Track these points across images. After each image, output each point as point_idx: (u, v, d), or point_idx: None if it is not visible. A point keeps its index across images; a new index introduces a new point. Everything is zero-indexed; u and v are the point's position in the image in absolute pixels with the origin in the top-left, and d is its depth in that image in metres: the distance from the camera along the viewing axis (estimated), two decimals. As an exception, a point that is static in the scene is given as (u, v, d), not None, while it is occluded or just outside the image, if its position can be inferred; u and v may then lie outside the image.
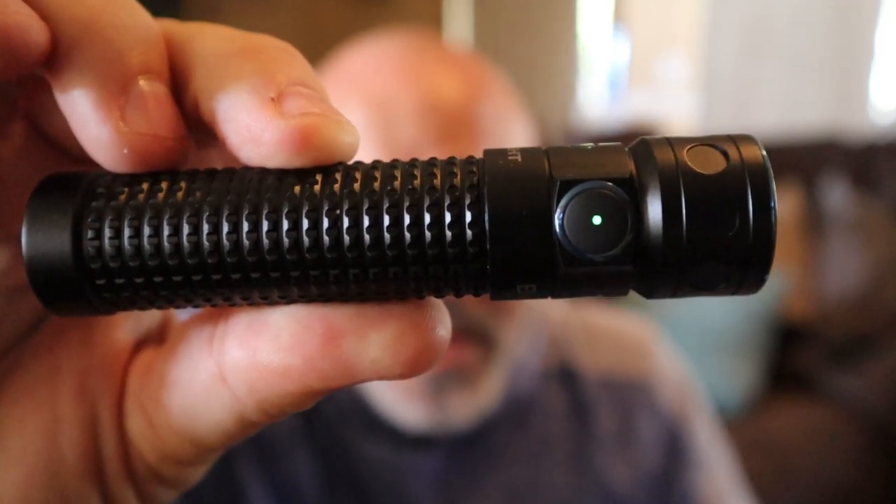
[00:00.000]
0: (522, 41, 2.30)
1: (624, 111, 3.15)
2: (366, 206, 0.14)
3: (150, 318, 0.19)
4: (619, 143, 0.15)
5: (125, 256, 0.14)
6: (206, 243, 0.14)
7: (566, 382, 0.54)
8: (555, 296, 0.15)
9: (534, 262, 0.14)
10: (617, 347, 0.57)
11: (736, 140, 0.14)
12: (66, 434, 0.17)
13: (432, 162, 0.15)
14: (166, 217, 0.14)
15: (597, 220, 0.14)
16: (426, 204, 0.14)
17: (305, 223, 0.14)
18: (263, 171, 0.15)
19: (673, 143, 0.14)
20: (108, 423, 0.17)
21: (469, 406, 0.46)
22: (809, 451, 1.26)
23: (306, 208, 0.14)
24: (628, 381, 0.55)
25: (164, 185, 0.14)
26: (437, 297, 0.15)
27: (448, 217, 0.14)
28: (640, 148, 0.14)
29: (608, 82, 3.16)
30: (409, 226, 0.14)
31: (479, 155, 0.15)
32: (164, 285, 0.14)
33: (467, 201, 0.14)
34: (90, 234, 0.14)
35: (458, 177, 0.14)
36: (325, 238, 0.14)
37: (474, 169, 0.14)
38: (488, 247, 0.14)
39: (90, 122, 0.14)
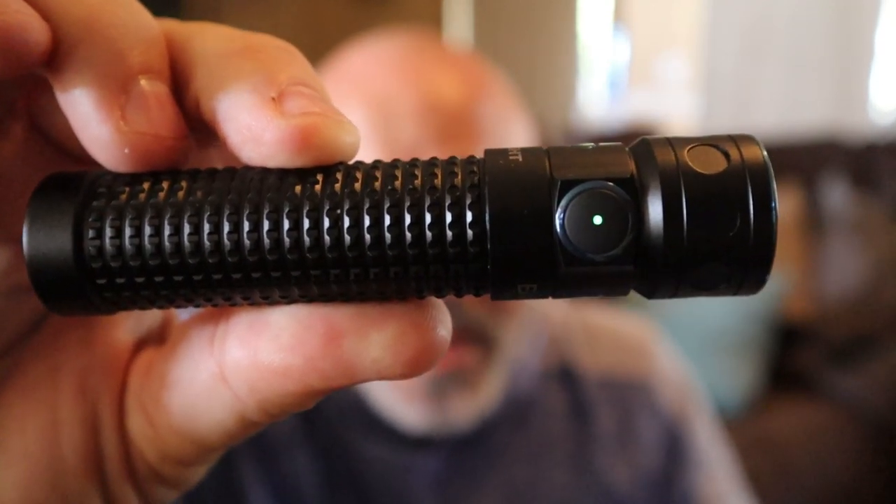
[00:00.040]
0: (522, 41, 2.30)
1: (624, 111, 3.15)
2: (367, 206, 0.14)
3: (150, 317, 0.19)
4: (619, 143, 0.15)
5: (126, 256, 0.14)
6: (207, 243, 0.14)
7: (566, 382, 0.54)
8: (555, 296, 0.15)
9: (534, 261, 0.14)
10: (617, 347, 0.57)
11: (737, 140, 0.14)
12: (67, 434, 0.17)
13: (433, 162, 0.15)
14: (167, 216, 0.14)
15: (597, 219, 0.14)
16: (427, 204, 0.14)
17: (306, 223, 0.14)
18: (264, 171, 0.15)
19: (674, 143, 0.14)
20: (109, 423, 0.17)
21: (469, 407, 0.46)
22: (809, 451, 1.26)
23: (307, 208, 0.14)
24: (628, 381, 0.55)
25: (165, 184, 0.14)
26: (437, 296, 0.15)
27: (449, 217, 0.14)
28: (641, 148, 0.14)
29: (608, 82, 3.16)
30: (409, 225, 0.14)
31: (479, 155, 0.15)
32: (164, 285, 0.14)
33: (468, 201, 0.14)
34: (91, 233, 0.14)
35: (459, 176, 0.14)
36: (326, 238, 0.14)
37: (475, 169, 0.14)
38: (489, 246, 0.14)
39: (91, 121, 0.14)
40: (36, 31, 0.13)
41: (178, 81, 0.16)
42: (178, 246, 0.14)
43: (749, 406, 1.33)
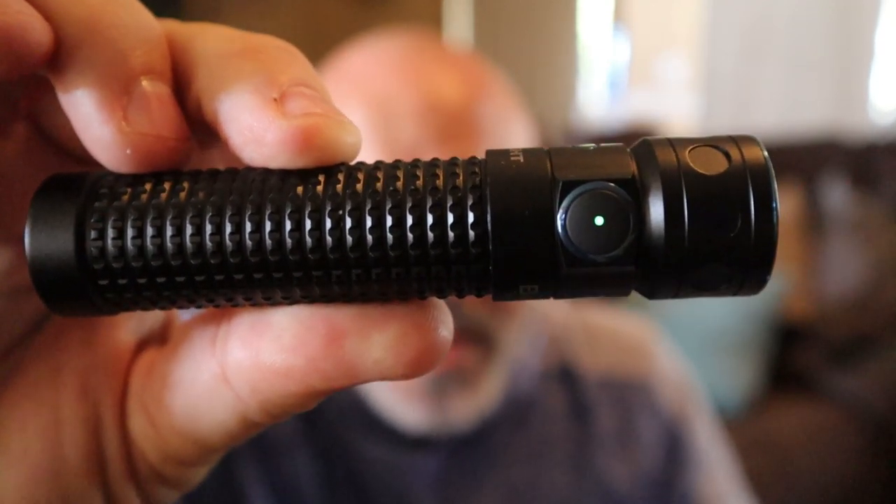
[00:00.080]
0: (522, 41, 2.30)
1: (624, 111, 3.15)
2: (368, 207, 0.14)
3: (152, 318, 0.19)
4: (620, 144, 0.15)
5: (128, 257, 0.14)
6: (209, 244, 0.14)
7: (566, 383, 0.54)
8: (557, 296, 0.15)
9: (536, 262, 0.14)
10: (617, 348, 0.57)
11: (738, 141, 0.14)
12: (69, 434, 0.17)
13: (435, 162, 0.15)
14: (169, 217, 0.14)
15: (599, 220, 0.14)
16: (429, 204, 0.14)
17: (308, 224, 0.14)
18: (266, 172, 0.15)
19: (675, 143, 0.14)
20: (111, 424, 0.17)
21: (469, 407, 0.46)
22: (809, 451, 1.26)
23: (309, 209, 0.14)
24: (628, 382, 0.55)
25: (166, 185, 0.14)
26: (439, 297, 0.15)
27: (451, 218, 0.14)
28: (642, 149, 0.14)
29: (608, 82, 3.16)
30: (411, 226, 0.14)
31: (480, 155, 0.15)
32: (166, 286, 0.14)
33: (470, 202, 0.14)
34: (93, 234, 0.14)
35: (461, 177, 0.14)
36: (328, 238, 0.14)
37: (477, 169, 0.14)
38: (491, 247, 0.14)
39: (93, 122, 0.14)
40: (38, 31, 0.13)
41: (180, 82, 0.16)
42: (180, 247, 0.14)
43: (749, 406, 1.33)
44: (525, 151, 0.14)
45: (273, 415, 0.16)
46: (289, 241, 0.14)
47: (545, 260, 0.14)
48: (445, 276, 0.14)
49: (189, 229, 0.14)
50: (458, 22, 2.08)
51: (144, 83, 0.15)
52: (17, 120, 0.16)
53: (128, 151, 0.14)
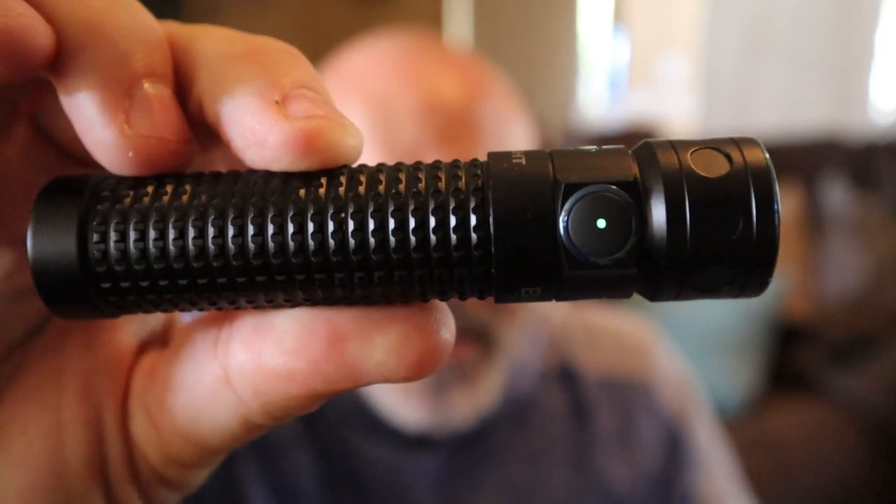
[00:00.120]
0: (522, 41, 2.30)
1: (624, 111, 3.15)
2: (371, 210, 0.14)
3: (153, 319, 0.19)
4: (622, 147, 0.15)
5: (130, 260, 0.14)
6: (210, 247, 0.14)
7: (566, 383, 0.54)
8: (559, 299, 0.15)
9: (538, 265, 0.14)
10: (617, 348, 0.57)
11: (739, 143, 0.14)
12: (70, 437, 0.17)
13: (436, 165, 0.15)
14: (171, 220, 0.14)
15: (601, 223, 0.14)
16: (431, 207, 0.14)
17: (311, 226, 0.14)
18: (268, 174, 0.15)
19: (676, 146, 0.14)
20: (113, 426, 0.17)
21: (469, 404, 0.46)
22: (809, 451, 1.26)
23: (311, 212, 0.14)
24: (628, 382, 0.55)
25: (168, 188, 0.14)
26: (441, 300, 0.15)
27: (453, 220, 0.14)
28: (644, 151, 0.14)
29: (608, 82, 3.16)
30: (414, 229, 0.14)
31: (481, 156, 0.15)
32: (168, 289, 0.14)
33: (472, 204, 0.14)
34: (95, 237, 0.14)
35: (463, 180, 0.14)
36: (331, 241, 0.14)
37: (479, 172, 0.14)
38: (493, 250, 0.14)
39: (95, 125, 0.14)
40: (40, 34, 0.13)
41: (182, 84, 0.16)
42: (182, 250, 0.14)
43: (749, 406, 1.33)
44: (527, 154, 0.15)
45: (275, 417, 0.16)
46: (291, 243, 0.14)
47: (547, 262, 0.14)
48: (448, 279, 0.14)
49: (191, 232, 0.14)
50: (458, 22, 2.08)
51: (146, 85, 0.15)
52: (19, 121, 0.16)
53: (130, 154, 0.14)
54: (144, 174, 0.15)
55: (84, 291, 0.14)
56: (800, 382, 1.41)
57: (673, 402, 0.55)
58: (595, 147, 0.15)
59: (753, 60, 2.35)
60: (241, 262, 0.14)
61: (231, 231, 0.14)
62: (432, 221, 0.14)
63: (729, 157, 0.14)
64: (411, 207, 0.14)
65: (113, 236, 0.14)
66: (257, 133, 0.14)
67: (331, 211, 0.14)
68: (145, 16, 0.15)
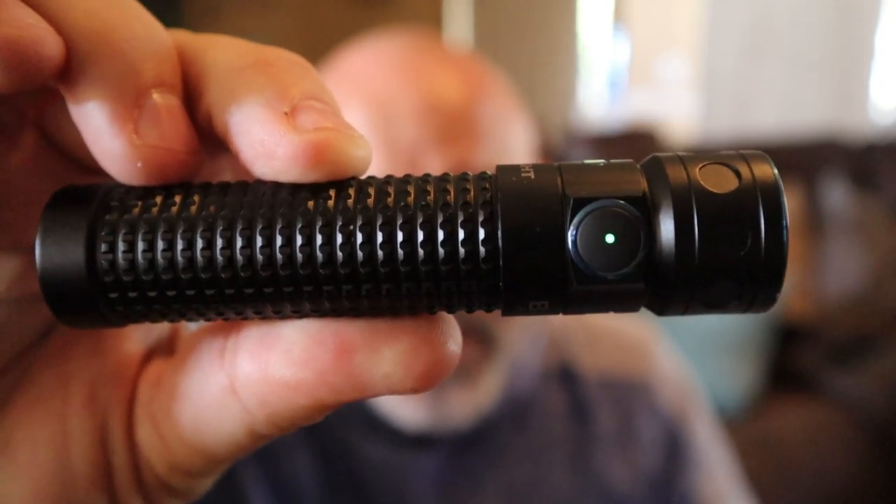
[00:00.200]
0: (522, 41, 2.30)
1: (624, 111, 3.15)
2: (379, 222, 0.14)
3: (159, 328, 0.19)
4: (631, 161, 0.15)
5: (138, 270, 0.14)
6: (219, 258, 0.14)
7: (566, 383, 0.54)
8: (566, 312, 0.15)
9: (546, 279, 0.14)
10: (617, 348, 0.57)
11: (748, 158, 0.14)
12: (76, 445, 0.17)
13: (445, 178, 0.15)
14: (180, 231, 0.14)
15: (609, 238, 0.14)
16: (439, 220, 0.14)
17: (319, 238, 0.14)
18: (277, 186, 0.15)
19: (685, 160, 0.14)
20: (118, 434, 0.17)
21: (468, 403, 0.46)
22: (809, 451, 1.26)
23: (320, 223, 0.14)
24: (628, 382, 0.55)
25: (177, 198, 0.14)
26: (448, 312, 0.15)
27: (461, 234, 0.14)
28: (653, 166, 0.14)
29: (608, 82, 3.16)
30: (422, 242, 0.14)
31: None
32: (176, 299, 0.14)
33: (480, 218, 0.14)
34: (104, 247, 0.14)
35: (472, 193, 0.14)
36: (339, 253, 0.14)
37: (487, 185, 0.14)
38: (501, 263, 0.14)
39: (104, 134, 0.14)
40: (49, 44, 0.13)
41: (191, 95, 0.16)
42: (190, 261, 0.14)
43: (749, 406, 1.33)
44: (535, 167, 0.15)
45: (281, 427, 0.16)
46: (299, 255, 0.14)
47: (555, 276, 0.14)
48: (455, 292, 0.14)
49: (200, 243, 0.14)
50: (458, 22, 2.08)
51: (155, 96, 0.15)
52: (28, 131, 0.16)
53: (138, 164, 0.14)
54: (153, 184, 0.15)
55: (91, 301, 0.14)
56: (800, 382, 1.41)
57: (673, 402, 0.55)
58: (603, 161, 0.15)
59: (753, 60, 2.35)
60: (249, 273, 0.14)
61: (240, 242, 0.14)
62: (441, 234, 0.14)
63: (738, 173, 0.14)
64: (420, 220, 0.14)
65: (121, 246, 0.14)
66: (266, 144, 0.14)
67: (339, 223, 0.14)
68: (154, 25, 0.15)
